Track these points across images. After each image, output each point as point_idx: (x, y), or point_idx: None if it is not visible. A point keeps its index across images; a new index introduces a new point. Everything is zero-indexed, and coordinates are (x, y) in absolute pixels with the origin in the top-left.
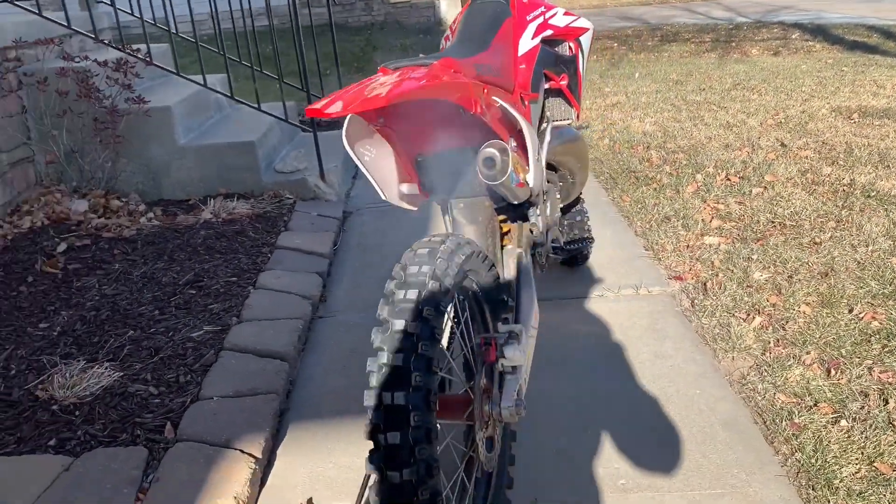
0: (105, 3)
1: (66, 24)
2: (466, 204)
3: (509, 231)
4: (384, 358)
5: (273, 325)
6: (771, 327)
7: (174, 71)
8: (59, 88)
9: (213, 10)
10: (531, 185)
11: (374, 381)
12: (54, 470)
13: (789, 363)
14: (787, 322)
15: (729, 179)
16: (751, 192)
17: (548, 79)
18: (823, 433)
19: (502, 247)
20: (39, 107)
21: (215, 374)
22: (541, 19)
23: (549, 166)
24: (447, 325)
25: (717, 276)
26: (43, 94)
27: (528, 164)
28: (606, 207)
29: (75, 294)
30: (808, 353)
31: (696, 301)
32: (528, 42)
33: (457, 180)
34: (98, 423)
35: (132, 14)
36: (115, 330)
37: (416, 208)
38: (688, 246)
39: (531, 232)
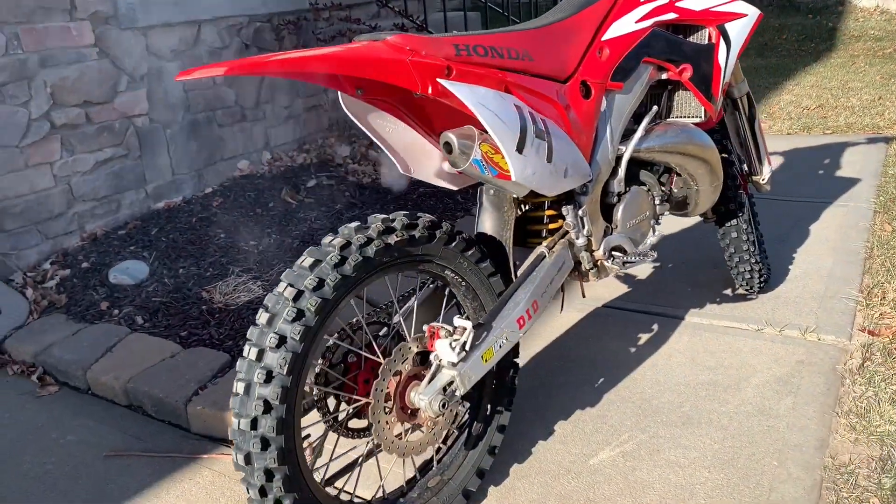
0: None
1: None
2: (496, 191)
3: (558, 228)
4: (259, 315)
5: None
6: None
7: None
8: None
9: None
10: (515, 179)
11: (249, 333)
12: (165, 354)
13: None
14: None
15: None
16: None
17: (663, 69)
18: None
19: (535, 242)
20: None
21: None
22: (663, 0)
23: (648, 165)
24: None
25: None
26: None
27: (504, 155)
28: (855, 233)
29: (292, 223)
30: None
31: (869, 363)
32: (626, 25)
33: None
34: (223, 328)
35: None
36: (292, 257)
37: (456, 188)
38: None
39: (575, 235)
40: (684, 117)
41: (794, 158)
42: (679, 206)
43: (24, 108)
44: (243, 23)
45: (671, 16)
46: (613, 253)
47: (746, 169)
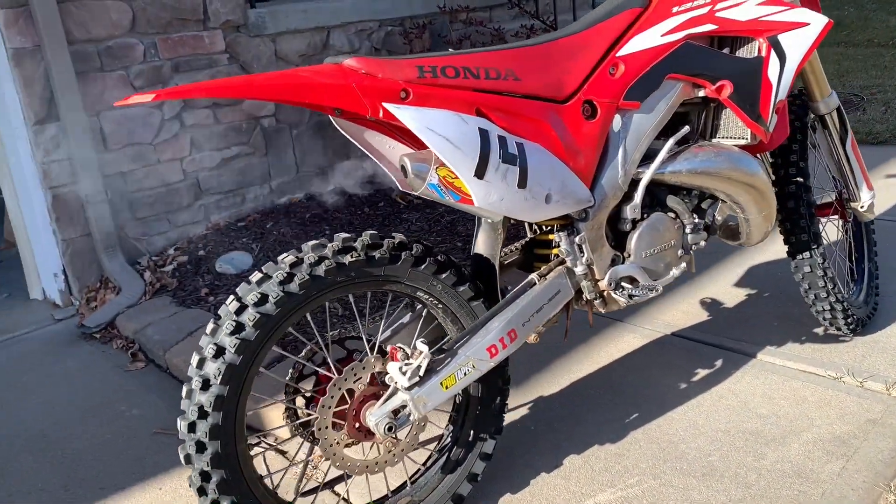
0: None
1: None
2: None
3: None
4: (209, 325)
5: None
6: None
7: None
8: None
9: None
10: (478, 205)
11: (201, 341)
12: None
13: None
14: None
15: None
16: None
17: (700, 86)
18: None
19: (537, 267)
20: None
21: None
22: (702, 11)
23: (683, 191)
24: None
25: None
26: None
27: (463, 179)
28: None
29: (393, 221)
30: None
31: None
32: (649, 39)
33: None
34: None
35: None
36: None
37: None
38: None
39: (572, 263)
40: (731, 139)
41: None
42: (731, 235)
43: (157, 109)
44: (373, 27)
45: (708, 27)
46: (624, 284)
47: (845, 194)
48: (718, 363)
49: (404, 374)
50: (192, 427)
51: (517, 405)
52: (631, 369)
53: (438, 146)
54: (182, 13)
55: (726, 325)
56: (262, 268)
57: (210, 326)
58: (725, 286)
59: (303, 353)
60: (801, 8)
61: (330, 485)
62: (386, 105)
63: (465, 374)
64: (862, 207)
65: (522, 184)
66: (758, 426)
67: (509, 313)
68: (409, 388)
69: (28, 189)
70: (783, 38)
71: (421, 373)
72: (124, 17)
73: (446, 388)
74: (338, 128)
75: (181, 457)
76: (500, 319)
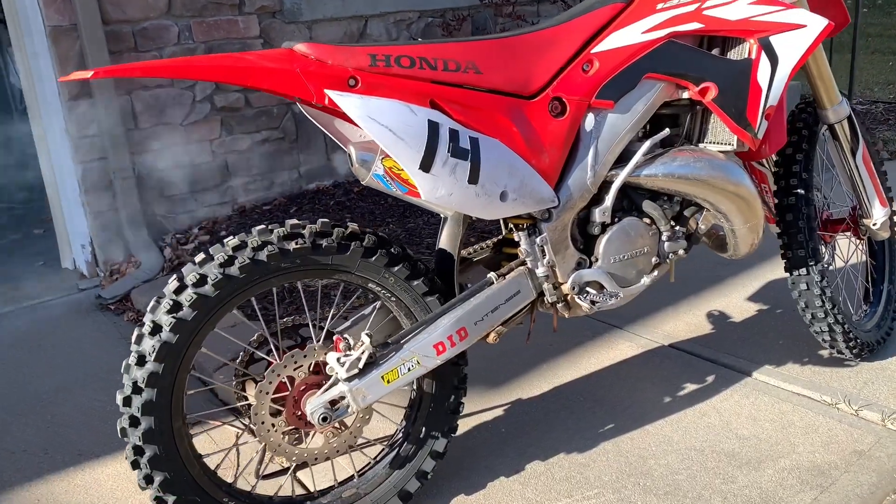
0: None
1: None
2: None
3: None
4: (151, 302)
5: None
6: None
7: None
8: None
9: None
10: (425, 198)
11: (144, 318)
12: (229, 322)
13: None
14: None
15: None
16: None
17: (684, 88)
18: None
19: (504, 264)
20: None
21: None
22: (688, 8)
23: (663, 196)
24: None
25: None
26: None
27: (408, 171)
28: None
29: (413, 214)
30: None
31: None
32: (628, 36)
33: None
34: (293, 306)
35: None
36: None
37: None
38: None
39: (532, 264)
40: (718, 144)
41: None
42: (720, 245)
43: (189, 91)
44: (413, 18)
45: (694, 26)
46: (589, 289)
47: (858, 210)
48: (710, 379)
49: (343, 364)
50: (127, 401)
51: (491, 406)
52: (618, 378)
53: (381, 136)
54: None
55: (728, 340)
56: (211, 249)
57: (151, 304)
58: (737, 299)
59: (254, 338)
60: (798, 9)
61: (292, 471)
62: (328, 92)
63: (408, 369)
64: (875, 225)
65: (474, 179)
66: (735, 447)
67: (461, 311)
68: (349, 380)
69: (61, 162)
70: (776, 40)
71: (360, 365)
72: None
73: (388, 382)
74: (306, 115)
75: (118, 430)
76: (450, 317)
